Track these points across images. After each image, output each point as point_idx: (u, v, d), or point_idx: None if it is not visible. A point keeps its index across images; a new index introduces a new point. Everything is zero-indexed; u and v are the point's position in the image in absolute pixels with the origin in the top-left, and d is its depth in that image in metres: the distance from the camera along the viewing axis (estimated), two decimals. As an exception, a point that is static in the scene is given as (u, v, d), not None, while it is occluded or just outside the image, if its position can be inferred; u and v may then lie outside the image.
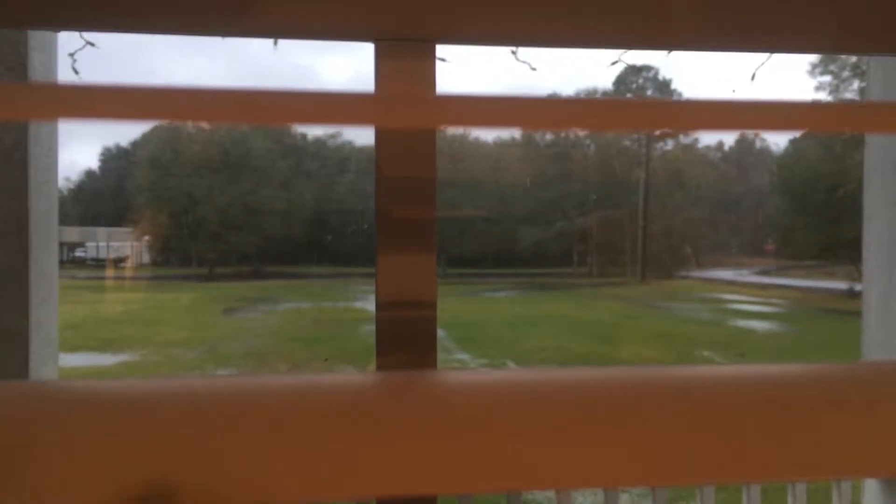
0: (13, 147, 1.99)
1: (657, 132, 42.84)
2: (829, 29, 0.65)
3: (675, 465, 0.49)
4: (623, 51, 1.57)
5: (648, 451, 0.50)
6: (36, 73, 1.76)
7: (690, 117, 0.41)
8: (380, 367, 0.62)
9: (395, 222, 0.59)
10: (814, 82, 27.91)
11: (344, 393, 0.52)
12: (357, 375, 0.56)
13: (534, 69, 2.12)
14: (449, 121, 0.41)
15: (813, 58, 28.40)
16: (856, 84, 26.52)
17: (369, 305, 21.91)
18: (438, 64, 0.59)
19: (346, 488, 0.48)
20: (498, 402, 0.51)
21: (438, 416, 0.50)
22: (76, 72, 2.40)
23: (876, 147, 2.74)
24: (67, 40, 2.22)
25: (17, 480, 0.46)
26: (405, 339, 0.63)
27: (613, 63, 2.78)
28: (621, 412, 0.51)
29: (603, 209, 41.40)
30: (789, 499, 1.95)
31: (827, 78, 27.43)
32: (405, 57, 0.56)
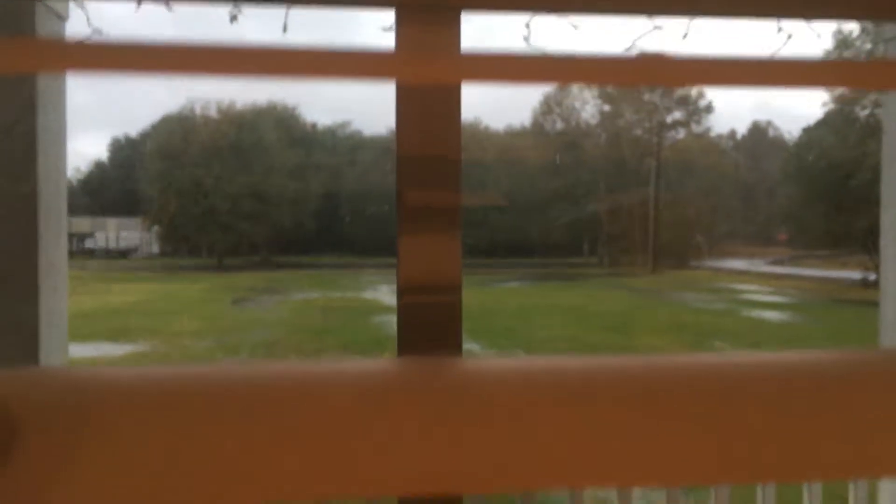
0: (21, 134, 1.98)
1: (668, 119, 42.56)
2: None
3: (697, 464, 0.47)
4: (648, 18, 1.54)
5: (674, 448, 0.47)
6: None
7: (712, 73, 0.41)
8: (401, 355, 0.59)
9: (417, 202, 0.55)
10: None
11: (363, 381, 0.49)
12: (377, 362, 0.53)
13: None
14: (473, 76, 0.38)
15: (827, 44, 28.21)
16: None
17: (380, 295, 21.99)
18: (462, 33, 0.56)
19: (365, 485, 0.46)
20: (524, 392, 0.48)
21: (463, 407, 0.47)
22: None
23: (893, 135, 2.69)
24: (75, 27, 2.20)
25: (25, 470, 0.44)
26: (428, 326, 0.59)
27: (627, 49, 2.74)
28: (648, 404, 0.48)
29: (614, 198, 41.37)
30: (805, 495, 1.92)
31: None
32: (428, 24, 0.52)
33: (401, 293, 0.60)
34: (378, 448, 0.46)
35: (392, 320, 15.99)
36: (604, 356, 0.53)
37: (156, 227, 41.45)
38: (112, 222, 44.64)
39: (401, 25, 0.54)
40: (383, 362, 0.53)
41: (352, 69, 0.36)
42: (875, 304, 2.74)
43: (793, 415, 0.47)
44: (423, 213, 0.55)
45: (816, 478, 0.48)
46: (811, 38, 2.60)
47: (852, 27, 26.65)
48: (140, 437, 0.45)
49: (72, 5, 2.19)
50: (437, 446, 0.46)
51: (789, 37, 2.99)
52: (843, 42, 27.41)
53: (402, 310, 0.61)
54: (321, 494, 0.46)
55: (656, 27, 2.26)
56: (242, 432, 0.45)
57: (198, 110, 40.57)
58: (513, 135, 46.31)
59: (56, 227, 2.11)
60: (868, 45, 26.53)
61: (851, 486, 1.93)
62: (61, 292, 2.17)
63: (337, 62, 0.36)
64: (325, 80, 0.37)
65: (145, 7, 1.79)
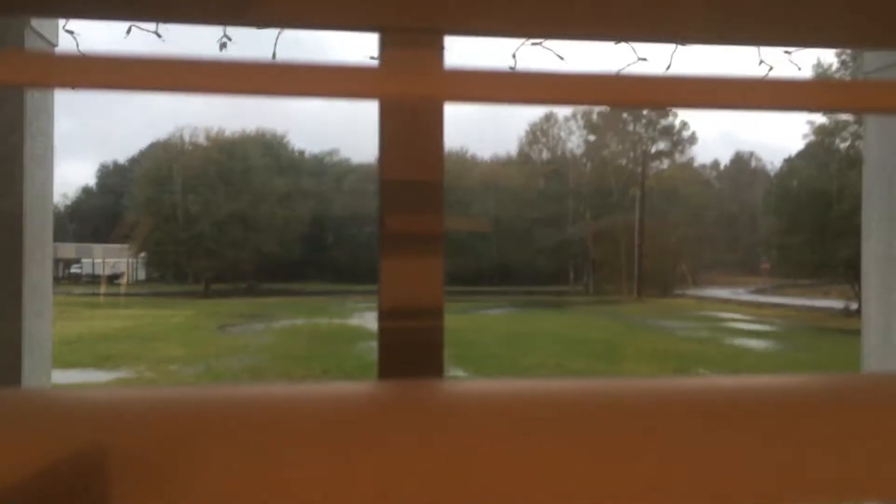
0: (8, 157, 1.98)
1: (653, 149, 42.87)
2: (845, 20, 0.63)
3: (679, 485, 0.47)
4: (631, 44, 1.57)
5: (655, 470, 0.48)
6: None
7: (697, 94, 0.41)
8: (382, 379, 0.59)
9: (399, 226, 0.56)
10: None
11: (344, 403, 0.49)
12: (358, 384, 0.53)
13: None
14: (456, 94, 0.39)
15: (807, 76, 28.74)
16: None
17: (365, 322, 21.88)
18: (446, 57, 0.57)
19: None
20: (505, 413, 0.48)
21: (444, 428, 0.47)
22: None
23: (873, 164, 2.73)
24: (65, 48, 2.22)
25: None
26: (410, 350, 0.59)
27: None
28: (631, 427, 0.48)
29: (599, 227, 41.49)
30: None
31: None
32: (411, 48, 0.54)
33: (382, 317, 0.60)
34: (359, 468, 0.46)
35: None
36: (584, 378, 0.53)
37: (142, 254, 41.13)
38: (98, 248, 44.25)
39: (384, 49, 0.56)
40: (364, 384, 0.53)
41: (336, 86, 0.37)
42: (857, 333, 2.75)
43: (778, 437, 0.48)
44: (405, 236, 0.55)
45: (803, 500, 0.48)
46: (791, 69, 2.66)
47: (832, 60, 27.12)
48: (118, 456, 0.45)
49: (61, 32, 2.21)
50: (419, 466, 0.46)
51: (770, 69, 3.05)
52: (822, 75, 27.89)
53: (384, 334, 0.60)
54: None
55: (641, 59, 2.30)
56: (215, 455, 0.45)
57: (186, 137, 40.53)
58: (499, 164, 46.46)
59: (41, 251, 2.11)
60: (847, 78, 26.98)
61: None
62: (45, 317, 2.16)
63: (321, 79, 0.37)
64: (310, 97, 0.38)
65: (135, 34, 1.81)
